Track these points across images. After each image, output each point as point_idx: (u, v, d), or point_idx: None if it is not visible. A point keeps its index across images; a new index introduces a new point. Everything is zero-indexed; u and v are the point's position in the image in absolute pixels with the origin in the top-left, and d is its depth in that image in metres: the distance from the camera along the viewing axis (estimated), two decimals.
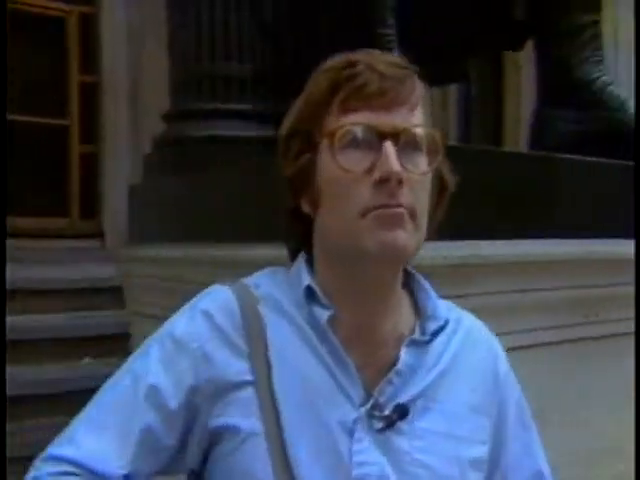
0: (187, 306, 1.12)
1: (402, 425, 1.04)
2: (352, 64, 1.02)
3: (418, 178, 1.01)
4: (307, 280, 1.07)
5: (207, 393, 1.05)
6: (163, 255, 2.72)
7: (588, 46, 2.49)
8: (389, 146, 0.99)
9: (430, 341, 1.09)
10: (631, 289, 2.07)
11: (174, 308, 2.79)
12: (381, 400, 1.04)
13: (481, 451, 1.10)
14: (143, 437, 1.06)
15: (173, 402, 1.06)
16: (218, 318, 1.07)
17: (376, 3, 2.49)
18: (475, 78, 3.45)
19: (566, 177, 2.07)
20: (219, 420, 1.04)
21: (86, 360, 3.50)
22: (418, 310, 1.12)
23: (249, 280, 1.13)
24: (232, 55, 2.81)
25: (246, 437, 1.03)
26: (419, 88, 1.04)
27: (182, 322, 1.10)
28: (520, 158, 2.23)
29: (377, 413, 1.03)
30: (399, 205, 0.99)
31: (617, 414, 2.08)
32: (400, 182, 0.99)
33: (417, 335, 1.08)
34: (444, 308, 1.13)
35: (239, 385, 1.04)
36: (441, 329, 1.10)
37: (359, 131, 1.00)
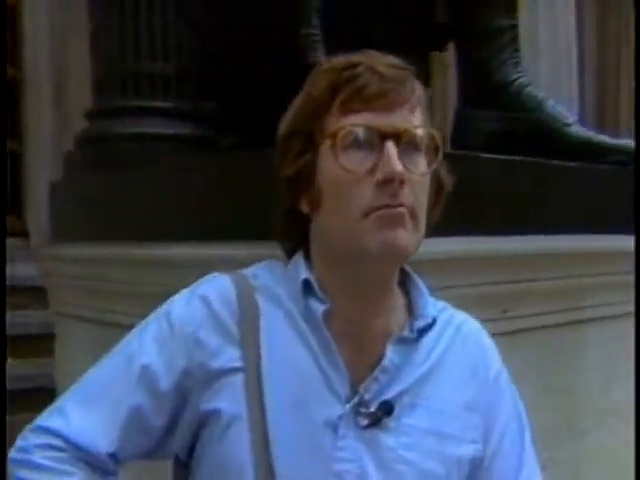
0: (187, 290, 1.15)
1: (388, 422, 1.06)
2: (352, 65, 1.04)
3: (418, 179, 1.04)
4: (305, 274, 1.09)
5: (198, 378, 1.07)
6: (86, 254, 2.69)
7: (507, 48, 2.55)
8: (391, 147, 1.01)
9: (418, 339, 1.10)
10: (545, 284, 2.14)
11: (98, 308, 2.75)
12: (367, 397, 1.06)
13: (470, 449, 1.11)
14: (132, 416, 1.08)
15: (164, 384, 1.08)
16: (215, 304, 1.10)
17: (301, 3, 2.50)
18: None
19: (486, 175, 2.12)
20: (208, 405, 1.07)
21: (9, 361, 3.44)
22: (411, 309, 1.14)
23: (248, 271, 1.17)
24: (156, 54, 2.78)
25: (230, 422, 1.05)
26: (418, 89, 1.07)
27: (180, 305, 1.13)
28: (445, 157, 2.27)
29: (363, 410, 1.05)
30: (401, 205, 1.02)
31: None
32: (402, 182, 1.01)
33: (405, 332, 1.10)
34: (434, 307, 1.15)
35: (229, 371, 1.07)
36: (429, 327, 1.11)
37: (361, 132, 1.02)
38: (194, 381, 1.08)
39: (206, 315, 1.10)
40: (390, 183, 1.01)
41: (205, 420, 1.08)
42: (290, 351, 1.08)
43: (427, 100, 1.10)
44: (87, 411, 1.09)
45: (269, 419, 1.05)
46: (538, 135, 2.47)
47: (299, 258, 1.13)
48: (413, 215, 1.03)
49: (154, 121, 2.77)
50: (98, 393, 1.12)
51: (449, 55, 2.98)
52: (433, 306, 1.15)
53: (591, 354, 2.41)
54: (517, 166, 2.18)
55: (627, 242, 2.46)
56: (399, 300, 1.14)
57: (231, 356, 1.08)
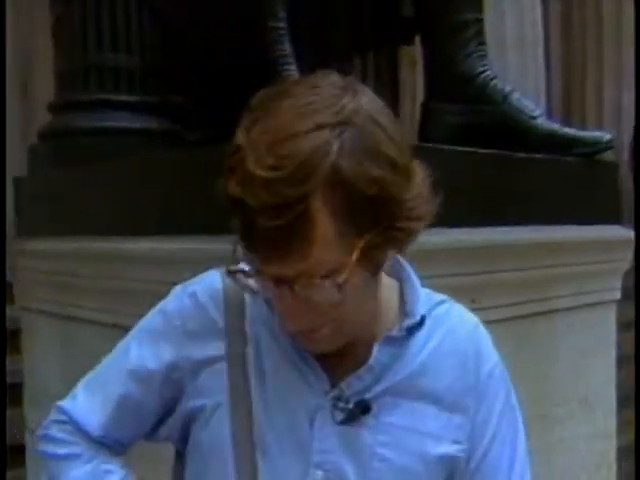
0: (180, 286, 1.17)
1: (368, 419, 1.05)
2: (234, 200, 0.91)
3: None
4: None
5: (186, 370, 1.10)
6: (53, 249, 2.67)
7: (472, 42, 2.56)
8: (285, 300, 0.96)
9: (407, 338, 1.08)
10: (514, 275, 2.16)
11: (65, 303, 2.73)
12: (347, 393, 1.05)
13: (452, 449, 1.08)
14: (121, 404, 1.14)
15: (153, 375, 1.13)
16: (202, 298, 1.12)
17: None
18: (372, 74, 3.50)
19: (452, 168, 2.13)
20: (195, 396, 1.09)
21: None
22: (403, 303, 1.11)
23: (237, 267, 1.16)
24: (120, 46, 2.76)
25: (213, 410, 1.07)
26: (320, 223, 0.89)
27: (171, 301, 1.16)
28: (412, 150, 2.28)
29: (341, 405, 1.04)
30: (317, 332, 1.00)
31: None
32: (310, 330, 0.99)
33: (394, 332, 1.08)
34: (429, 301, 1.13)
35: (213, 360, 1.09)
36: (417, 326, 1.08)
37: (256, 274, 0.98)
38: (182, 373, 1.10)
39: (193, 308, 1.12)
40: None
41: (193, 411, 1.10)
42: (272, 341, 1.09)
43: (350, 201, 0.91)
44: (90, 395, 1.18)
45: (254, 406, 1.06)
46: (504, 128, 2.48)
47: None
48: (339, 324, 1.00)
49: (119, 115, 2.75)
50: (99, 381, 1.20)
51: (418, 51, 2.99)
52: (427, 300, 1.13)
53: (562, 344, 2.43)
54: (483, 159, 2.19)
55: (593, 232, 2.49)
56: (389, 297, 1.11)
57: (216, 346, 1.09)
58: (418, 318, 1.08)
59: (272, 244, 0.89)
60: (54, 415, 1.21)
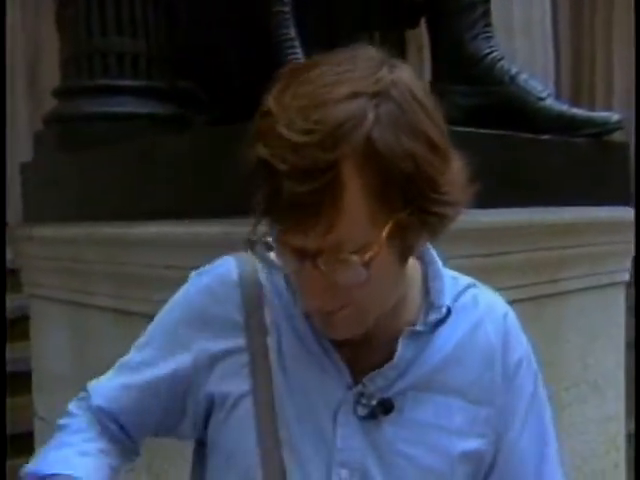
0: (195, 274, 1.14)
1: (391, 415, 1.02)
2: (262, 163, 0.87)
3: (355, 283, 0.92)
4: None
5: (203, 362, 1.07)
6: (60, 235, 2.67)
7: (478, 23, 2.54)
8: (309, 276, 0.91)
9: (432, 331, 1.04)
10: (521, 256, 2.15)
11: (72, 289, 2.73)
12: (371, 389, 1.02)
13: (477, 444, 1.06)
14: (143, 396, 1.11)
15: (173, 370, 1.09)
16: (216, 287, 1.09)
17: None
18: None
19: (460, 149, 2.11)
20: (214, 388, 1.06)
21: None
22: (427, 291, 1.07)
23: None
24: (124, 30, 2.75)
25: (235, 402, 1.04)
26: (350, 192, 0.85)
27: (186, 291, 1.13)
28: None
29: (364, 401, 1.01)
30: (335, 311, 0.96)
31: None
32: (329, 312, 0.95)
33: (418, 326, 1.04)
34: (455, 286, 1.08)
35: (232, 352, 1.05)
36: (442, 320, 1.04)
37: (277, 247, 0.94)
38: (200, 365, 1.07)
39: (208, 299, 1.09)
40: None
41: (212, 404, 1.08)
42: (293, 332, 1.05)
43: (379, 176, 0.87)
44: (113, 377, 1.16)
45: (276, 398, 1.03)
46: (512, 109, 2.47)
47: None
48: (355, 306, 0.95)
49: (124, 100, 2.74)
50: (125, 368, 1.16)
51: (425, 36, 2.97)
52: (453, 286, 1.07)
53: (572, 326, 2.42)
54: (491, 140, 2.18)
55: (603, 213, 2.47)
56: (412, 287, 1.06)
57: (233, 337, 1.06)
58: (444, 312, 1.04)
59: (299, 211, 0.85)
60: (81, 393, 1.19)
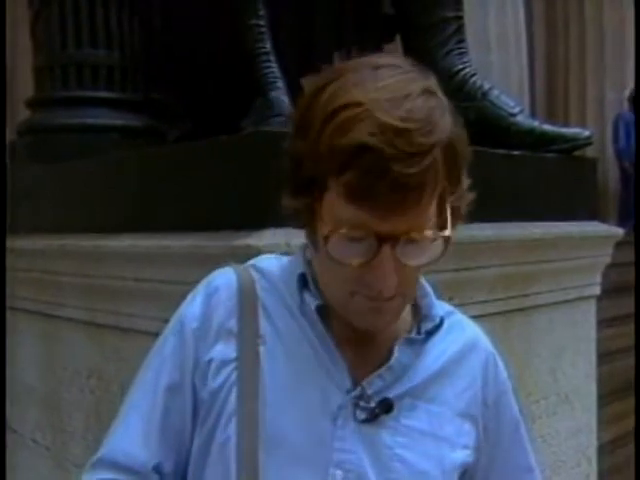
0: (199, 285, 1.15)
1: (387, 420, 1.05)
2: (362, 147, 0.89)
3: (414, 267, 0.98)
4: (301, 268, 1.09)
5: (201, 372, 1.08)
6: (33, 247, 2.66)
7: (452, 39, 2.57)
8: (386, 257, 0.94)
9: (426, 340, 1.09)
10: (491, 272, 2.17)
11: (44, 301, 2.70)
12: (369, 392, 1.04)
13: (463, 455, 1.10)
14: (165, 422, 1.09)
15: (182, 388, 1.09)
16: (214, 298, 1.10)
17: None
18: None
19: None
20: (204, 395, 1.07)
21: None
22: (417, 309, 1.12)
23: (254, 261, 1.16)
24: (99, 42, 2.75)
25: (221, 412, 1.05)
26: (440, 172, 0.93)
27: (187, 304, 1.14)
28: None
29: (362, 404, 1.04)
30: (388, 299, 0.99)
31: None
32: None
33: (413, 334, 1.09)
34: (441, 308, 1.14)
35: (224, 363, 1.07)
36: (436, 328, 1.10)
37: (356, 233, 0.94)
38: (198, 377, 1.09)
39: (206, 309, 1.10)
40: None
41: (202, 411, 1.08)
42: (289, 341, 1.08)
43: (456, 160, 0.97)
44: (125, 430, 1.11)
45: (269, 406, 1.04)
46: (483, 124, 2.49)
47: (300, 252, 1.13)
48: (403, 296, 1.01)
49: (98, 111, 2.74)
50: (133, 410, 1.12)
51: (400, 49, 2.99)
52: (439, 306, 1.14)
53: (542, 340, 2.44)
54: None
55: (573, 228, 2.49)
56: None
57: (227, 347, 1.08)
58: (437, 321, 1.10)
59: (404, 192, 0.89)
60: (92, 472, 1.11)
